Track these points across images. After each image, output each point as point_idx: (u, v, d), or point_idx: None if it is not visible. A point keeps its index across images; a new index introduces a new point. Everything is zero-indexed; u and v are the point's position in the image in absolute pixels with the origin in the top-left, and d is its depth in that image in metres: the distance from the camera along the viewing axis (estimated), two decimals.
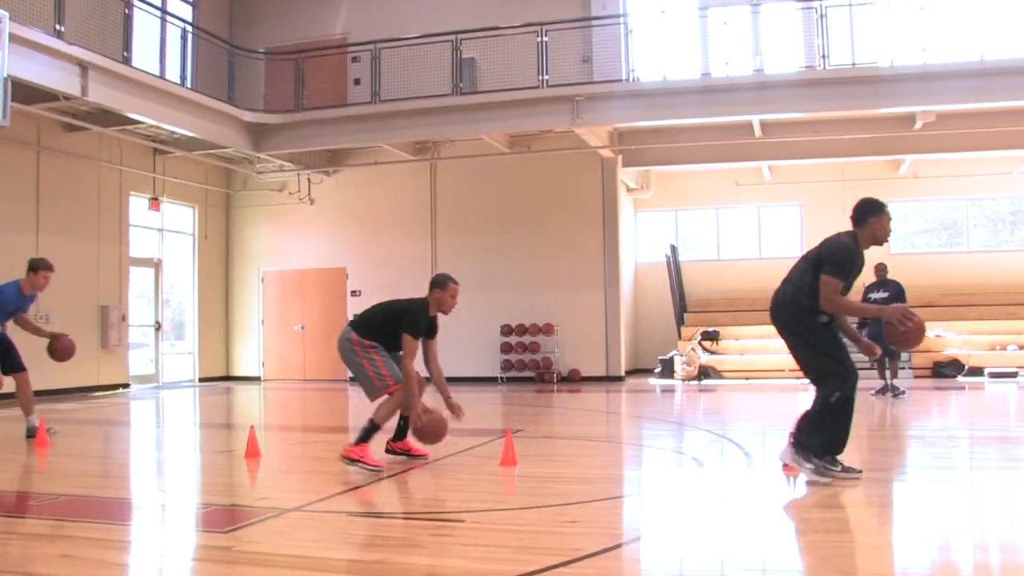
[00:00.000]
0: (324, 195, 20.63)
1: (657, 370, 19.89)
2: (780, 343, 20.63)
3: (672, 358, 19.64)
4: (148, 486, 7.21)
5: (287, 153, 18.70)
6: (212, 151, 18.63)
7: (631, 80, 16.93)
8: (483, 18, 17.96)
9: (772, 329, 21.08)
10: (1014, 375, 17.99)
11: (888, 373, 14.00)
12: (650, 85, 16.97)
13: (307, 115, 17.75)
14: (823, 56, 16.64)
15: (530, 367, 19.20)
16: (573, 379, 19.00)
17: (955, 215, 22.11)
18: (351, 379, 7.82)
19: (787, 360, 20.15)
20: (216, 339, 21.03)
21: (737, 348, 20.25)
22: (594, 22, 18.26)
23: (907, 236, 22.42)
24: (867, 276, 13.56)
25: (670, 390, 17.03)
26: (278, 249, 21.11)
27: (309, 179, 20.46)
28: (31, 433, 9.09)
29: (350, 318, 7.74)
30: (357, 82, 19.07)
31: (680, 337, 20.72)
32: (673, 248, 22.02)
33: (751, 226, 22.90)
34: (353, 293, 20.11)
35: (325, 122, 17.75)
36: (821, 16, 16.95)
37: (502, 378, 19.29)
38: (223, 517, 5.50)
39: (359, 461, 6.96)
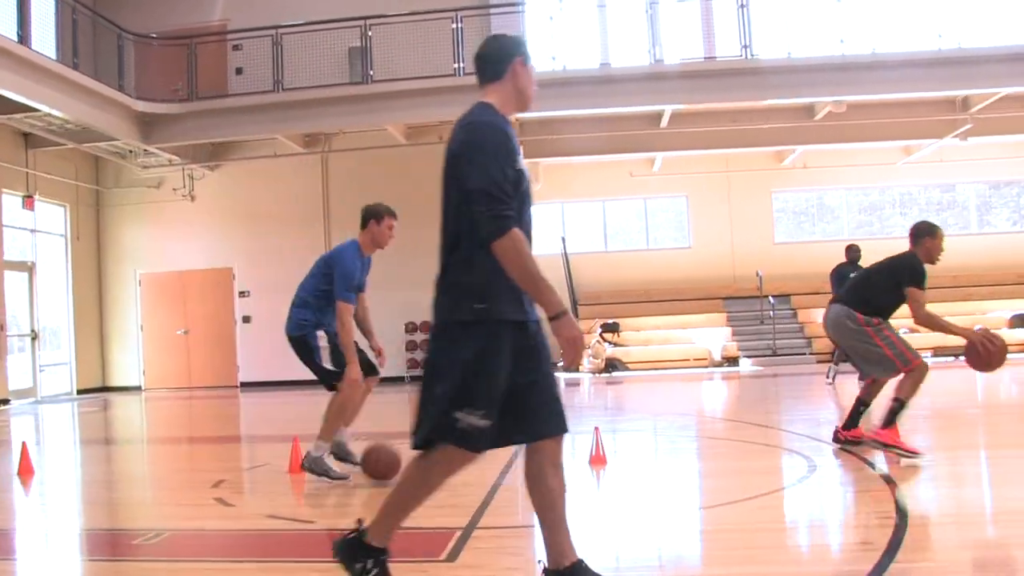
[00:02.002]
0: (206, 191, 19.36)
1: (560, 364, 19.49)
2: (683, 333, 20.77)
3: None
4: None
5: (174, 146, 17.42)
6: (95, 143, 17.17)
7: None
8: (371, 5, 17.17)
9: (674, 320, 21.09)
10: None
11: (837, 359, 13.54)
12: (576, 73, 16.69)
13: (204, 105, 16.57)
14: (743, 46, 16.60)
15: None
16: None
17: (842, 204, 22.62)
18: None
19: (691, 350, 20.29)
20: (93, 348, 19.54)
21: (640, 339, 20.14)
22: (492, 10, 17.80)
23: (793, 224, 22.81)
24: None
25: (576, 384, 16.74)
26: (156, 249, 19.70)
27: (191, 174, 19.17)
28: None
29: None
30: (239, 71, 18.01)
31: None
32: (563, 241, 21.77)
33: (638, 217, 22.89)
34: (241, 294, 19.02)
35: (222, 112, 16.62)
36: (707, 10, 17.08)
37: (408, 377, 18.58)
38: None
39: (893, 446, 6.49)
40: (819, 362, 19.01)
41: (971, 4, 16.88)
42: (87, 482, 7.64)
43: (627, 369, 18.90)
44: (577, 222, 22.78)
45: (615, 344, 19.54)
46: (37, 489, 7.01)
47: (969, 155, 20.74)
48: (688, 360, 19.37)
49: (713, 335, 19.93)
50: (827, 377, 13.44)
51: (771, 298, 19.92)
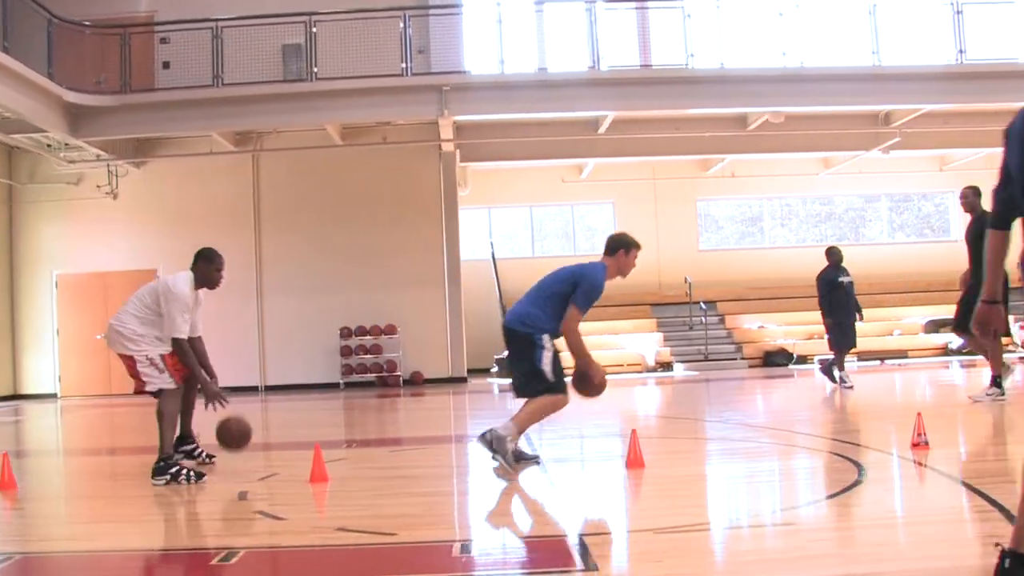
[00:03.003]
0: (129, 189, 18.50)
1: (494, 369, 19.48)
2: (615, 339, 20.80)
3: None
4: None
5: (102, 140, 16.60)
6: (13, 135, 16.25)
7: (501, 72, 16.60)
8: (307, 2, 16.72)
9: (605, 325, 21.70)
10: None
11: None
12: (521, 77, 16.67)
13: (138, 98, 15.86)
14: (689, 55, 16.81)
15: (372, 370, 18.20)
16: (416, 382, 18.21)
17: (764, 213, 23.19)
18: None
19: (625, 355, 20.44)
20: (3, 353, 18.51)
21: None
22: (431, 11, 17.62)
23: (718, 232, 23.30)
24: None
25: (490, 390, 16.69)
26: (75, 249, 18.74)
27: (116, 171, 18.33)
28: None
29: None
30: (166, 65, 17.38)
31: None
32: (491, 245, 21.75)
33: (565, 223, 23.05)
34: None
35: (156, 107, 15.93)
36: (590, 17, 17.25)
37: (343, 383, 18.18)
38: None
39: None
40: (750, 366, 19.46)
41: (896, 25, 17.48)
42: (85, 496, 7.16)
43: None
44: (507, 227, 22.82)
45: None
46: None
47: (884, 168, 21.53)
48: (623, 365, 19.52)
49: (645, 341, 20.15)
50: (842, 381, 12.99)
51: (702, 304, 20.29)
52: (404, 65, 15.99)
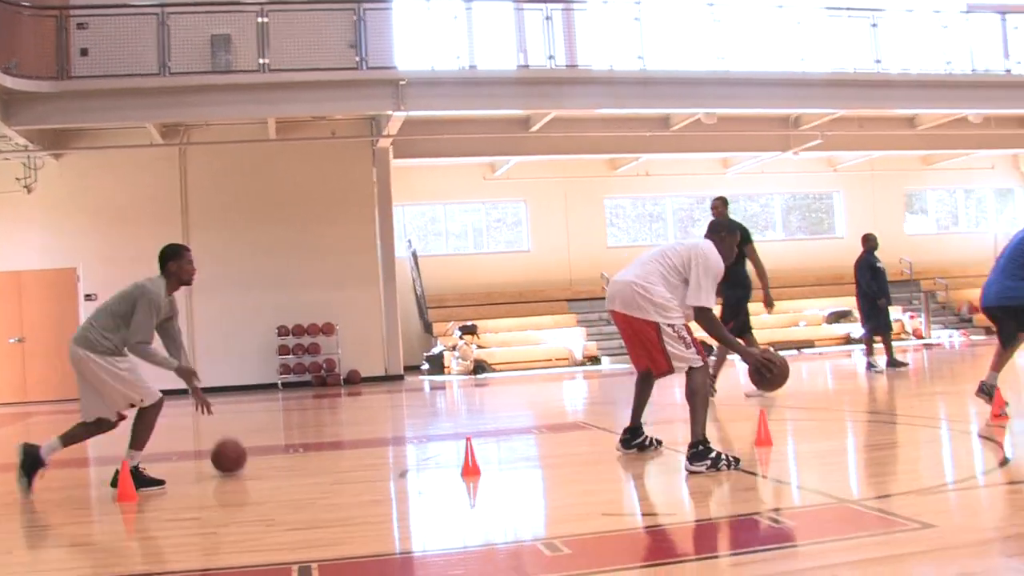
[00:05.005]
0: (47, 183, 17.28)
1: (424, 367, 19.42)
2: (541, 335, 21.24)
3: (441, 354, 19.27)
4: None
5: (29, 130, 15.51)
6: None
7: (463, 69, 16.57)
8: None
9: (531, 321, 22.23)
10: None
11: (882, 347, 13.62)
12: (478, 73, 16.68)
13: (79, 85, 14.89)
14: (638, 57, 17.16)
15: (311, 370, 17.79)
16: (353, 381, 17.93)
17: (669, 210, 24.02)
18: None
19: (553, 350, 20.80)
20: None
21: (498, 340, 20.37)
22: (365, 4, 17.36)
23: (630, 230, 23.99)
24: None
25: (441, 387, 16.69)
26: None
27: (33, 163, 17.16)
28: None
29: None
30: (84, 52, 16.45)
31: (430, 332, 20.41)
32: (409, 243, 21.66)
33: (477, 221, 23.21)
34: (87, 297, 17.18)
35: (94, 95, 14.98)
36: (547, 18, 17.54)
37: (281, 384, 17.69)
38: None
39: None
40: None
41: (817, 33, 18.49)
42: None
43: (492, 370, 19.07)
44: (428, 224, 22.82)
45: (478, 346, 19.67)
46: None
47: (781, 168, 22.72)
48: (551, 360, 19.85)
49: (569, 336, 20.54)
50: (878, 366, 13.32)
51: None
52: (360, 58, 15.74)
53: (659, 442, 6.96)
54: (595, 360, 19.82)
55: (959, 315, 22.22)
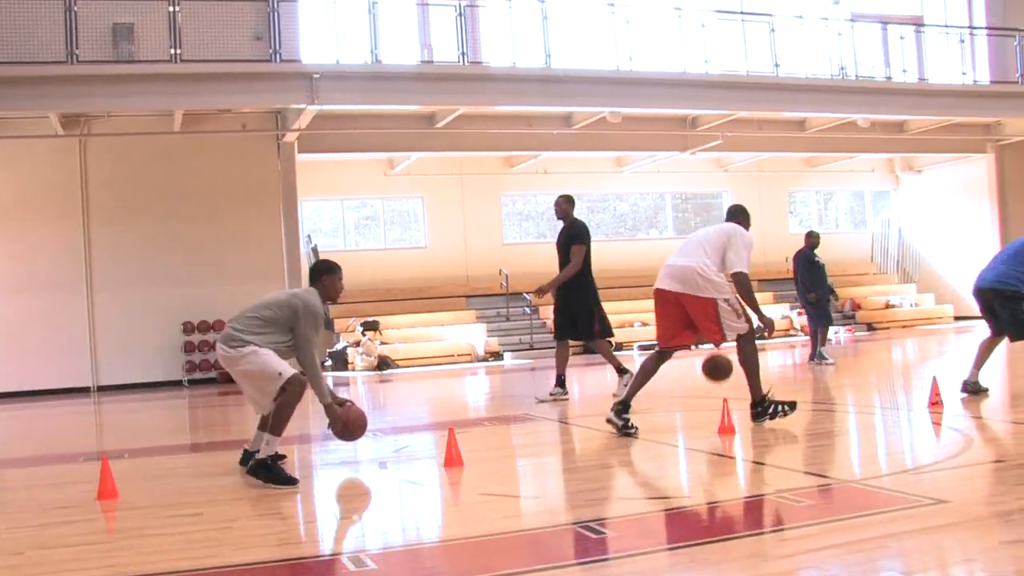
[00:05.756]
0: None
1: (328, 363, 19.16)
2: (442, 331, 21.28)
3: (345, 350, 19.07)
4: None
5: None
6: None
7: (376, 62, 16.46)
8: None
9: (432, 317, 22.68)
10: (655, 346, 20.40)
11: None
12: (391, 68, 16.59)
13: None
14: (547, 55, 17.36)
15: (217, 366, 17.30)
16: None
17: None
18: None
19: (456, 346, 20.89)
20: None
21: (400, 337, 20.29)
22: None
23: (526, 227, 24.18)
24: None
25: (346, 383, 16.56)
26: None
27: None
28: None
29: None
30: None
31: (330, 328, 20.16)
32: (308, 238, 21.34)
33: (376, 217, 23.07)
34: None
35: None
36: (459, 15, 17.64)
37: (186, 381, 17.17)
38: None
39: None
40: (573, 354, 20.33)
41: (713, 35, 19.07)
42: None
43: (397, 367, 18.97)
44: (327, 220, 22.55)
45: (381, 342, 19.55)
46: None
47: (674, 168, 23.31)
48: (453, 356, 19.87)
49: (470, 332, 20.59)
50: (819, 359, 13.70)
51: (526, 295, 20.93)
52: (274, 51, 15.45)
53: (636, 430, 7.25)
54: (497, 356, 19.95)
55: (843, 312, 23.21)
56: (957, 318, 23.37)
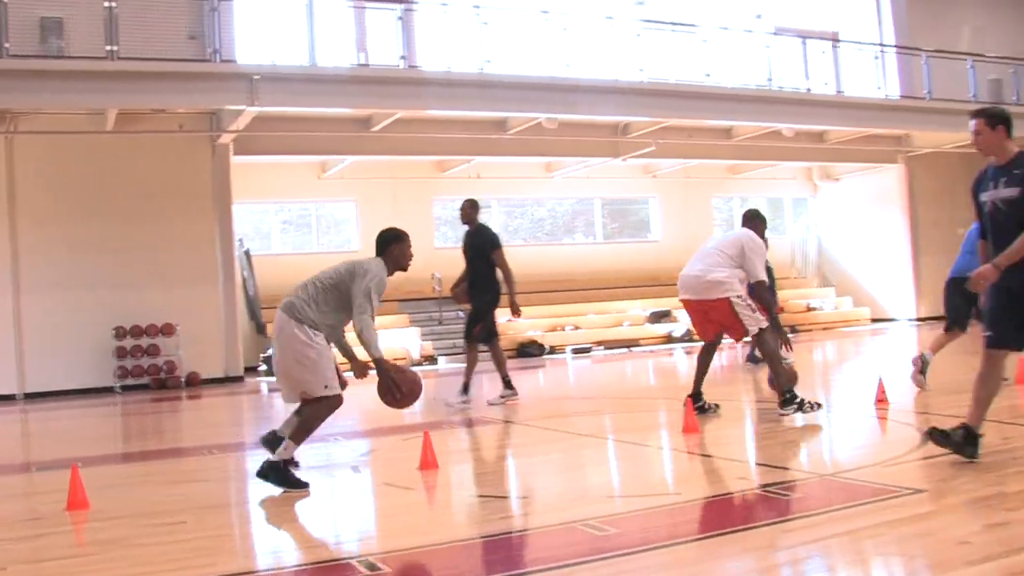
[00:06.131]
0: None
1: (262, 368, 19.02)
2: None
3: None
4: None
5: None
6: None
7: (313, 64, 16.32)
8: None
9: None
10: (588, 350, 20.80)
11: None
12: (332, 71, 16.56)
13: None
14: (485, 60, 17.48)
15: (150, 372, 17.02)
16: (193, 383, 17.31)
17: (495, 212, 24.53)
18: None
19: (391, 350, 20.86)
20: None
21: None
22: None
23: (458, 231, 24.22)
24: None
25: (276, 389, 16.43)
26: None
27: None
28: None
29: None
30: None
31: (263, 333, 20.01)
32: (241, 242, 21.13)
33: (308, 220, 22.97)
34: None
35: None
36: (399, 18, 17.75)
37: (118, 387, 16.83)
38: None
39: None
40: (510, 358, 20.55)
41: (648, 45, 19.48)
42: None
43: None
44: (259, 223, 22.35)
45: None
46: None
47: (602, 173, 23.69)
48: (404, 358, 19.89)
49: (404, 336, 20.63)
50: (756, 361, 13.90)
51: None
52: (213, 50, 15.30)
53: (717, 406, 8.47)
54: (432, 360, 20.05)
55: None
56: (873, 320, 24.27)
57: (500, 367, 10.55)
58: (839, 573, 3.70)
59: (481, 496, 5.77)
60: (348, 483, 6.73)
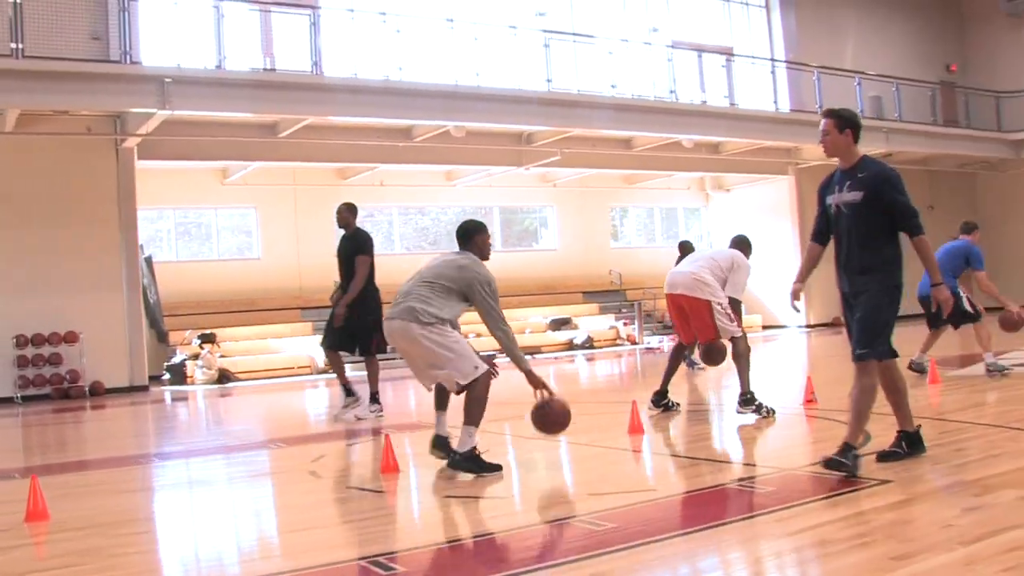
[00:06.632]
0: None
1: (166, 377, 18.60)
2: (280, 343, 21.22)
3: (183, 363, 18.55)
4: None
5: None
6: None
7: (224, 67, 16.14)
8: None
9: (269, 329, 22.63)
10: (493, 357, 20.89)
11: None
12: (238, 75, 16.36)
13: None
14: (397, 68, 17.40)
15: (53, 381, 16.42)
16: (98, 392, 16.78)
17: (396, 220, 24.53)
18: None
19: (295, 358, 20.91)
20: None
21: (240, 349, 19.92)
22: None
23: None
24: None
25: (184, 397, 16.24)
26: None
27: None
28: None
29: None
30: None
31: (164, 341, 19.58)
32: (142, 248, 20.60)
33: (209, 227, 22.53)
34: None
35: None
36: (312, 24, 17.66)
37: (19, 397, 16.18)
38: None
39: None
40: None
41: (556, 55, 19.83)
42: None
43: (238, 379, 18.64)
44: (160, 230, 21.80)
45: (221, 355, 19.14)
46: None
47: (503, 182, 23.97)
48: (293, 368, 19.69)
49: (309, 344, 20.42)
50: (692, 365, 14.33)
51: None
52: (124, 51, 14.93)
53: (678, 405, 9.14)
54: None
55: (663, 322, 24.50)
56: (765, 327, 25.16)
57: (372, 381, 10.26)
58: (851, 555, 3.95)
59: (459, 497, 5.87)
60: (316, 488, 6.72)
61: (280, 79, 17.08)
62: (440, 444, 6.59)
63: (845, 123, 5.76)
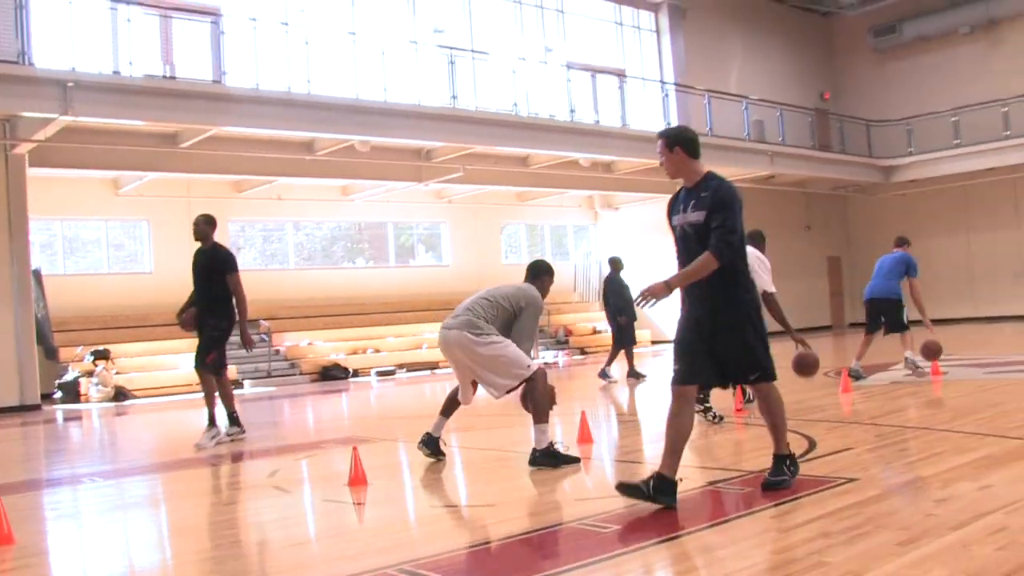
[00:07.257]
0: None
1: (57, 395, 17.96)
2: (177, 359, 20.91)
3: (76, 380, 17.95)
4: None
5: None
6: None
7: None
8: None
9: (164, 345, 22.53)
10: (393, 373, 20.97)
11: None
12: (137, 82, 16.03)
13: None
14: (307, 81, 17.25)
15: None
16: None
17: (290, 234, 24.26)
18: None
19: (193, 375, 20.67)
20: None
21: (135, 366, 19.39)
22: None
23: (254, 253, 23.80)
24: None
25: (78, 417, 15.69)
26: None
27: None
28: None
29: None
30: None
31: (54, 358, 18.89)
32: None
33: (99, 240, 21.87)
34: None
35: None
36: (221, 32, 17.57)
37: None
38: None
39: None
40: (312, 381, 20.39)
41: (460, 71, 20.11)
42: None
43: (135, 397, 18.16)
44: (48, 242, 21.01)
45: (117, 372, 18.61)
46: None
47: (400, 198, 24.06)
48: (192, 385, 19.21)
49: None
50: (611, 376, 14.81)
51: (262, 320, 20.61)
52: (23, 50, 14.43)
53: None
54: (237, 384, 19.57)
55: (556, 338, 24.95)
56: (653, 342, 25.85)
57: (228, 402, 9.85)
58: (858, 544, 4.27)
59: (448, 506, 6.00)
60: (289, 502, 6.69)
61: (181, 87, 16.77)
62: (429, 442, 7.32)
63: (672, 141, 5.50)
